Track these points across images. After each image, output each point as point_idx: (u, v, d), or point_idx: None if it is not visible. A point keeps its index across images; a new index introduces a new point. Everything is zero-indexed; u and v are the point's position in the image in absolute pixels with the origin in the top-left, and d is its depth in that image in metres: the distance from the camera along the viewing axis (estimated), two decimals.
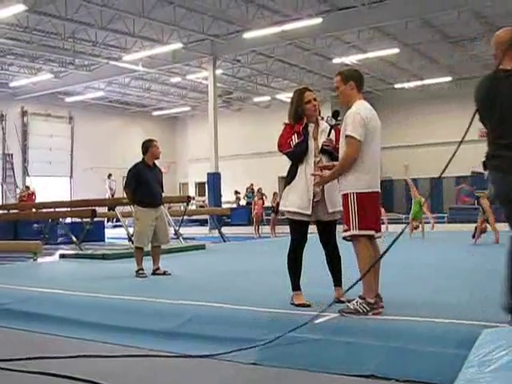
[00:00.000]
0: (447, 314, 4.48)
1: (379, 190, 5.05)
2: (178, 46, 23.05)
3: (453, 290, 6.39)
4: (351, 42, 24.20)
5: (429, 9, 20.49)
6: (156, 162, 8.91)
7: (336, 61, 25.20)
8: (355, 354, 4.10)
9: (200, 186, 36.66)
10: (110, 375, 4.12)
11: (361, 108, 4.96)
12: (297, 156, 5.37)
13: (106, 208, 17.82)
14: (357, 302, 4.82)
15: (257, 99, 33.76)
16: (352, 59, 25.52)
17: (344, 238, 5.02)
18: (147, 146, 8.71)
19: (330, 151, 5.34)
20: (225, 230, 19.66)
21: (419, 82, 29.70)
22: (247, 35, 21.92)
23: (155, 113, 37.36)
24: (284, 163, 5.61)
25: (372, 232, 4.93)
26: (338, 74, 5.16)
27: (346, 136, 4.87)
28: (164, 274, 8.52)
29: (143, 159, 8.70)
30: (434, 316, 4.48)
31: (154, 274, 8.56)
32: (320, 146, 5.35)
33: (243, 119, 35.73)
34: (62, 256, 12.30)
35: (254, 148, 33.35)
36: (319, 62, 26.76)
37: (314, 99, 5.48)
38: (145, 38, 22.88)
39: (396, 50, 24.33)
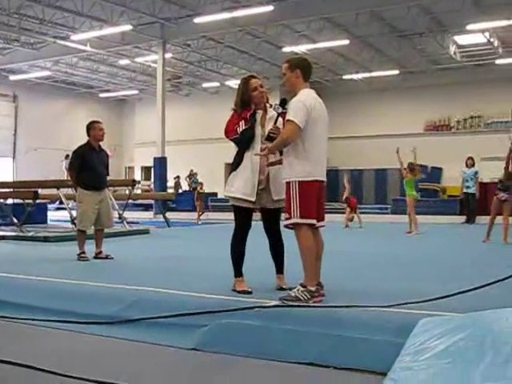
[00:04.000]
0: (386, 303, 4.55)
1: (323, 179, 5.08)
2: (127, 27, 22.71)
3: (393, 279, 6.52)
4: (302, 32, 24.23)
5: (379, 2, 20.71)
6: (102, 144, 8.81)
7: (286, 49, 25.20)
8: (295, 341, 4.13)
9: (146, 170, 36.32)
10: (50, 358, 4.06)
11: (305, 96, 4.99)
12: (243, 142, 5.38)
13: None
14: (298, 289, 4.86)
15: (206, 85, 33.55)
16: (302, 48, 25.56)
17: (286, 226, 5.06)
18: (89, 128, 8.59)
19: (276, 138, 5.35)
20: (170, 215, 19.58)
21: (367, 74, 29.97)
22: (198, 20, 21.76)
23: (102, 95, 36.75)
24: (232, 150, 5.61)
25: (313, 221, 4.94)
26: (285, 62, 5.19)
27: (287, 120, 4.92)
28: (106, 257, 8.46)
29: (88, 141, 8.59)
30: (373, 305, 4.55)
31: (96, 257, 8.49)
32: (267, 133, 5.36)
33: (191, 104, 35.46)
34: (2, 238, 12.07)
35: (201, 134, 33.16)
36: (269, 50, 26.73)
37: (261, 86, 5.49)
38: (94, 17, 22.45)
39: (346, 42, 24.49)
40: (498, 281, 5.06)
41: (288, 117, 4.93)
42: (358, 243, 12.23)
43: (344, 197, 17.11)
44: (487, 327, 3.33)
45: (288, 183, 4.96)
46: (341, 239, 12.47)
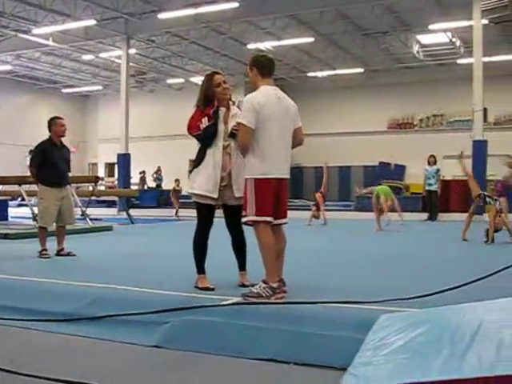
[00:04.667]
0: (342, 299, 4.60)
1: (281, 177, 5.04)
2: (91, 22, 22.54)
3: (355, 276, 6.58)
4: (266, 29, 24.28)
5: (343, 0, 20.88)
6: (64, 140, 8.72)
7: (251, 46, 25.25)
8: (256, 337, 4.14)
9: (110, 166, 36.08)
10: (8, 356, 4.01)
11: (255, 94, 5.00)
12: (206, 139, 5.37)
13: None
14: (260, 286, 4.88)
15: (170, 81, 33.42)
16: (267, 45, 25.62)
17: (244, 223, 5.07)
18: (51, 124, 8.50)
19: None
20: (133, 211, 19.47)
21: (332, 72, 30.16)
22: (162, 16, 21.68)
23: (66, 90, 36.36)
24: (195, 146, 5.59)
25: (268, 218, 4.93)
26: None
27: (238, 123, 4.95)
28: (68, 254, 8.38)
29: (50, 137, 8.49)
30: (336, 301, 4.58)
31: (58, 254, 8.40)
32: (229, 130, 5.37)
33: (156, 101, 35.30)
34: None
35: (165, 130, 33.03)
36: (234, 46, 26.74)
37: (224, 82, 5.49)
38: (56, 11, 22.22)
39: (310, 39, 24.60)
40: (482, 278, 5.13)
41: (238, 119, 4.97)
42: (321, 240, 12.29)
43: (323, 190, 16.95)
44: (445, 323, 3.38)
45: (245, 180, 4.98)
46: (305, 236, 12.52)
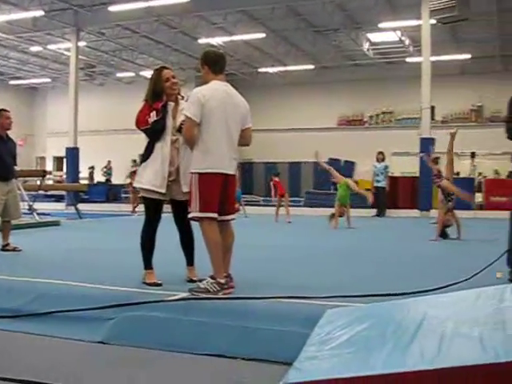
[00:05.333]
0: (290, 295, 4.63)
1: (227, 173, 5.02)
2: (39, 13, 22.11)
3: (303, 272, 6.62)
4: (218, 24, 24.21)
5: None
6: (11, 133, 8.55)
7: (202, 41, 25.16)
8: (204, 333, 4.13)
9: (58, 160, 35.49)
10: None
11: (202, 88, 5.00)
12: (154, 133, 5.33)
13: None
14: (207, 281, 4.87)
15: (120, 75, 33.06)
16: (218, 41, 25.58)
17: (191, 219, 5.06)
18: None
19: None
20: (82, 206, 19.21)
21: (283, 68, 30.25)
22: (113, 8, 21.44)
23: (12, 82, 35.60)
24: (145, 141, 5.55)
25: (213, 214, 4.92)
26: None
27: (184, 115, 4.94)
28: (14, 250, 8.24)
29: None
30: (282, 296, 4.61)
31: (3, 249, 8.26)
32: (178, 124, 5.34)
33: (106, 94, 34.87)
34: None
35: (115, 124, 32.66)
36: (185, 41, 26.57)
37: (173, 77, 5.47)
38: (3, 1, 21.71)
39: (262, 35, 24.63)
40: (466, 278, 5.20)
41: (183, 111, 4.96)
42: (273, 236, 12.34)
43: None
44: (389, 317, 3.44)
45: (191, 175, 4.96)
46: (256, 231, 12.55)
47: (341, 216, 13.60)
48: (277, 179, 16.94)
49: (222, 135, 4.98)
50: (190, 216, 4.97)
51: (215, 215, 4.92)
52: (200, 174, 4.88)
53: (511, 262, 5.58)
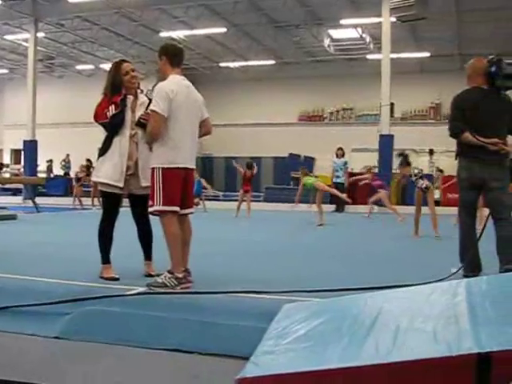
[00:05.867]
0: (247, 289, 4.65)
1: (188, 167, 5.06)
2: None
3: (262, 266, 6.64)
4: (179, 17, 24.07)
5: None
6: None
7: (163, 34, 24.98)
8: (160, 327, 4.11)
9: (16, 153, 34.89)
10: None
11: (168, 82, 4.99)
12: (112, 127, 5.29)
13: None
14: (165, 276, 4.86)
15: (80, 67, 32.63)
16: (179, 34, 25.43)
17: (151, 213, 5.04)
18: None
19: (146, 125, 5.31)
20: (40, 200, 18.96)
21: (244, 63, 30.23)
22: None
23: None
24: (103, 135, 5.50)
25: (176, 208, 4.94)
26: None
27: (150, 110, 4.89)
28: None
29: None
30: (240, 291, 4.61)
31: None
32: (137, 118, 5.31)
33: (65, 87, 34.37)
34: None
35: (74, 117, 32.21)
36: (146, 34, 26.34)
37: (132, 70, 5.43)
38: None
39: (223, 30, 24.57)
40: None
41: (150, 106, 4.91)
42: (230, 231, 12.34)
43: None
44: (345, 312, 3.46)
45: (152, 169, 4.95)
46: (216, 227, 12.54)
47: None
48: (248, 172, 16.67)
49: (187, 130, 5.03)
50: (151, 210, 4.95)
51: (178, 209, 4.94)
52: (164, 168, 4.87)
53: (463, 259, 5.69)
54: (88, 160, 21.99)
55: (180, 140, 4.97)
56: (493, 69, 5.59)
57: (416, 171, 10.77)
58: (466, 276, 5.37)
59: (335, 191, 15.02)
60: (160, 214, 4.92)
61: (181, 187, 4.99)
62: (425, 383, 2.45)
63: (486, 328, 2.67)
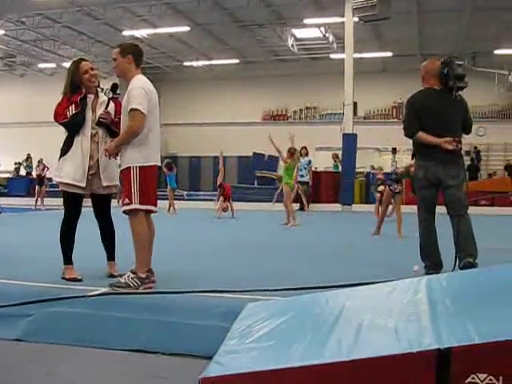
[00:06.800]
0: (211, 288, 4.65)
1: (159, 164, 5.16)
2: None
3: (226, 266, 6.63)
4: (142, 16, 23.90)
5: None
6: None
7: (126, 33, 24.78)
8: (124, 328, 4.10)
9: None
10: None
11: (144, 82, 5.00)
12: (72, 127, 5.25)
13: None
14: (128, 276, 4.84)
15: (42, 65, 32.19)
16: (143, 33, 25.26)
17: (124, 212, 5.00)
18: None
19: (107, 124, 5.29)
20: (2, 200, 18.70)
21: (208, 62, 30.16)
22: None
23: None
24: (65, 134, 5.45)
25: (152, 207, 4.99)
26: (117, 47, 5.15)
27: (132, 109, 4.85)
28: None
29: None
30: (203, 290, 4.61)
31: None
32: (97, 118, 5.26)
33: (27, 85, 33.87)
34: None
35: (36, 117, 31.79)
36: (109, 32, 26.08)
37: (92, 69, 5.38)
38: None
39: (187, 28, 24.48)
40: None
41: (132, 105, 4.86)
42: (196, 231, 12.31)
43: (218, 183, 16.08)
44: (308, 310, 3.48)
45: (128, 169, 4.91)
46: (175, 226, 12.50)
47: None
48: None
49: (158, 129, 5.14)
50: (127, 208, 4.90)
51: (153, 207, 4.97)
52: (141, 167, 4.87)
53: (424, 257, 5.78)
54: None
55: (154, 138, 5.03)
56: (445, 70, 5.72)
57: (393, 176, 10.89)
58: (427, 273, 5.45)
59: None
60: (132, 213, 4.90)
61: (155, 185, 5.07)
62: (387, 379, 2.46)
63: (446, 324, 2.71)
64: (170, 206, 17.08)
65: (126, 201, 4.92)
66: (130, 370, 3.63)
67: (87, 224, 5.47)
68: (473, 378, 2.34)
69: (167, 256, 6.37)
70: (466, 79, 5.79)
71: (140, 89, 4.91)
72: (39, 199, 20.59)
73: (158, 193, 5.85)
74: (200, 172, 31.22)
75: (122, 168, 4.98)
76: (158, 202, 5.31)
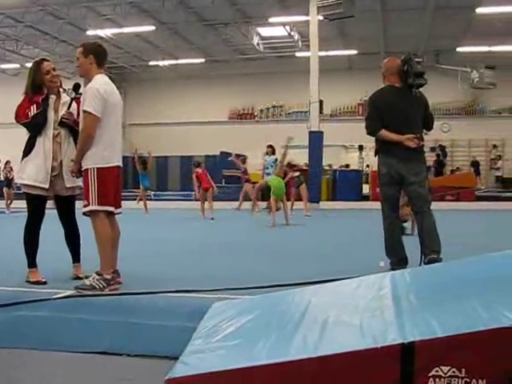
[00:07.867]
0: (177, 289, 4.64)
1: (120, 165, 5.07)
2: None
3: (192, 265, 6.61)
4: (107, 15, 23.75)
5: None
6: None
7: (90, 33, 24.58)
8: (89, 330, 4.06)
9: None
10: None
11: (99, 82, 4.93)
12: (34, 127, 5.19)
13: None
14: (93, 278, 4.80)
15: (5, 66, 31.78)
16: (107, 32, 25.09)
17: (84, 214, 4.96)
18: None
19: (69, 124, 5.24)
20: None
21: (173, 61, 30.07)
22: None
23: None
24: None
25: (111, 208, 4.93)
26: (80, 46, 5.10)
27: (83, 111, 4.81)
28: None
29: None
30: (169, 290, 4.59)
31: None
32: (60, 118, 5.21)
33: None
34: None
35: (1, 117, 31.42)
36: (73, 32, 25.83)
37: (53, 69, 5.33)
38: None
39: (152, 28, 24.38)
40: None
41: (83, 107, 4.82)
42: (165, 230, 12.25)
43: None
44: (275, 307, 3.48)
45: (86, 170, 4.87)
46: (142, 226, 12.43)
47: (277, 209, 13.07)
48: (199, 170, 15.75)
49: (118, 129, 5.08)
50: (86, 210, 4.87)
51: (112, 209, 4.91)
52: (99, 168, 4.82)
53: (389, 253, 5.83)
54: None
55: (114, 139, 4.97)
56: (405, 67, 5.79)
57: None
58: (393, 269, 5.49)
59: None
60: (92, 214, 4.86)
61: (115, 186, 4.98)
62: (352, 375, 2.48)
63: (410, 319, 2.73)
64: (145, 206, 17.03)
65: (85, 202, 4.89)
66: (95, 372, 3.60)
67: (51, 225, 5.40)
68: (436, 371, 2.37)
69: (134, 256, 6.33)
70: (426, 76, 5.87)
71: (94, 89, 4.85)
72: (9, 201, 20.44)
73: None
74: (167, 172, 31.07)
75: (82, 169, 4.94)
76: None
